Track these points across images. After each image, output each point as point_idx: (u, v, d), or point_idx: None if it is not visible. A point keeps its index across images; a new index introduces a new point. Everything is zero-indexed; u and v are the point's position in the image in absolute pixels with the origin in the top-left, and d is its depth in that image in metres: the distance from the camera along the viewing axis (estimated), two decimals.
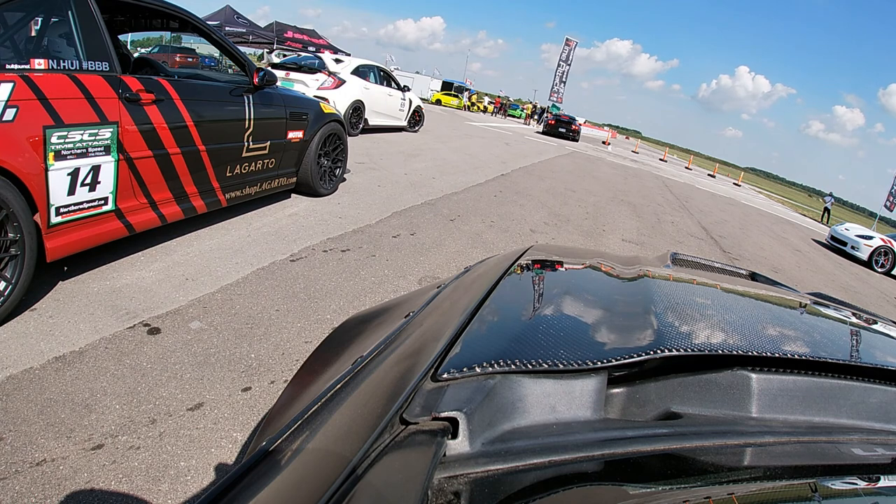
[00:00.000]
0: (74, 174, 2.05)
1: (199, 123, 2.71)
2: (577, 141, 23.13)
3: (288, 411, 0.71)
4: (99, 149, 2.14)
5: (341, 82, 7.91)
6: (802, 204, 45.06)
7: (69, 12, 2.10)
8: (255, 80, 3.20)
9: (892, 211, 22.05)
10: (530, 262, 0.94)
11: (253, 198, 3.47)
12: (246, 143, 3.18)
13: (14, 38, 2.04)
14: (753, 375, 0.58)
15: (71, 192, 2.06)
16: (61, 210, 2.03)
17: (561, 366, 0.52)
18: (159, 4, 2.64)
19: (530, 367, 0.51)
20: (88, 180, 2.13)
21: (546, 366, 0.51)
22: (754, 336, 0.67)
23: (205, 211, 2.95)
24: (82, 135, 2.05)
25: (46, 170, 1.93)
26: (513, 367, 0.50)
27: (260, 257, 2.94)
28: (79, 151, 2.05)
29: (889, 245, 9.80)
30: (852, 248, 10.17)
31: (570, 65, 34.69)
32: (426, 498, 0.36)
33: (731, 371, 0.58)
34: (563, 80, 34.58)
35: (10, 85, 1.80)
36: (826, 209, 22.93)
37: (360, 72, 8.65)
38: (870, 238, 10.09)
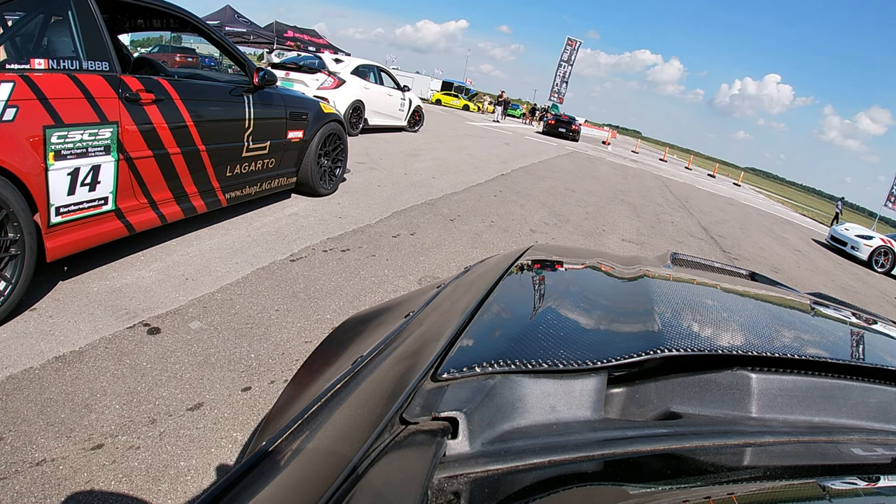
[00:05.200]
0: (74, 174, 2.05)
1: (198, 123, 2.71)
2: (576, 141, 23.11)
3: (288, 411, 0.71)
4: (99, 149, 2.14)
5: (341, 82, 7.91)
6: (802, 204, 45.06)
7: (69, 12, 2.09)
8: (255, 79, 3.20)
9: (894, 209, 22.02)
10: (530, 262, 0.94)
11: (253, 198, 3.47)
12: (246, 143, 3.18)
13: (14, 37, 2.04)
14: (753, 375, 0.58)
15: (71, 191, 2.06)
16: (61, 210, 2.03)
17: (561, 366, 0.52)
18: (159, 4, 2.63)
19: (530, 366, 0.51)
20: (88, 180, 2.13)
21: (546, 366, 0.51)
22: (754, 336, 0.67)
23: (205, 211, 2.95)
24: (82, 135, 2.05)
25: (46, 170, 1.93)
26: (513, 366, 0.50)
27: (260, 257, 2.94)
28: (79, 151, 2.05)
29: (889, 245, 9.80)
30: (852, 248, 10.17)
31: (571, 65, 34.66)
32: (426, 498, 0.36)
33: (731, 371, 0.58)
34: (566, 80, 34.58)
35: (10, 85, 1.80)
36: (836, 214, 22.86)
37: (359, 72, 8.65)
38: (870, 238, 10.08)
